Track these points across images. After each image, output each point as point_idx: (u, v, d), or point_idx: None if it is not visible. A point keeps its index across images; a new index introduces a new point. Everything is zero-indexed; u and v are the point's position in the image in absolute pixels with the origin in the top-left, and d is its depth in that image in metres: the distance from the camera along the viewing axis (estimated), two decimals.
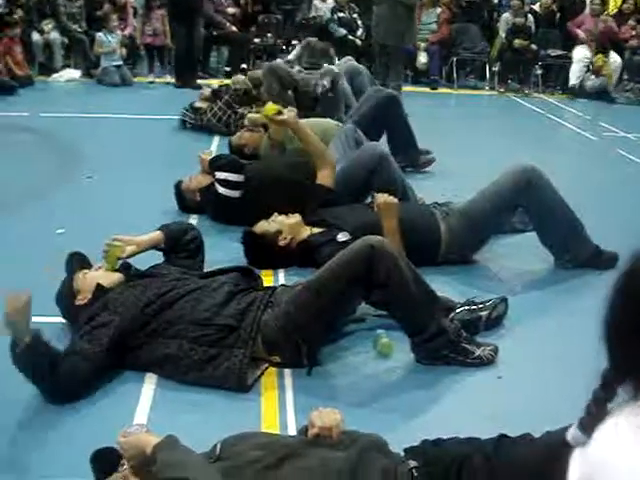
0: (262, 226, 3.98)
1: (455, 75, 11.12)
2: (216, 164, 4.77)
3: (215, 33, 10.68)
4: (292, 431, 2.66)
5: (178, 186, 4.88)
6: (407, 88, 9.91)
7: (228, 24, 10.75)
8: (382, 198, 3.75)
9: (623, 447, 1.16)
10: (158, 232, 3.64)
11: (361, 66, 7.48)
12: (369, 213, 3.98)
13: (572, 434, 1.31)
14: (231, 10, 11.05)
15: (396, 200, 3.76)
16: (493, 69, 11.11)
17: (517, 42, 10.69)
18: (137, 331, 3.03)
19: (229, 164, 4.77)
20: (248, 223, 4.10)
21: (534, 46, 10.87)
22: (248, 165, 4.87)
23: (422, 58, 11.02)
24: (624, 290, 1.23)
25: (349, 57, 8.05)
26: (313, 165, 4.53)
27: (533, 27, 11.12)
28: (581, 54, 10.85)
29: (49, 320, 3.37)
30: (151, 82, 10.00)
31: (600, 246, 4.24)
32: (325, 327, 3.13)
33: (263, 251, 3.95)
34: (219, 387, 2.94)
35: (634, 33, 11.09)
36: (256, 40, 11.33)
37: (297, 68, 7.12)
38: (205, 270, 3.65)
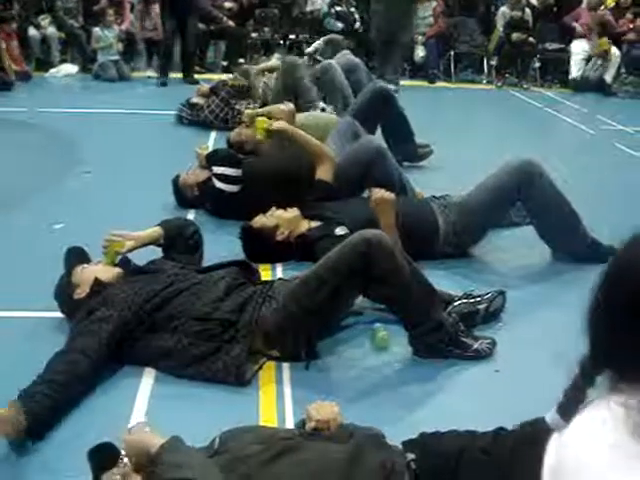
0: (260, 220, 3.98)
1: (453, 69, 11.12)
2: (214, 159, 4.77)
3: (212, 28, 10.66)
4: (290, 425, 2.66)
5: (176, 181, 4.88)
6: (405, 82, 9.93)
7: (225, 19, 10.73)
8: (378, 194, 3.73)
9: (596, 445, 1.14)
10: (157, 228, 3.65)
11: (358, 60, 7.45)
12: (367, 207, 3.97)
13: (551, 417, 1.31)
14: (228, 4, 11.04)
15: (392, 196, 3.74)
16: (491, 63, 11.11)
17: (515, 36, 10.69)
18: (136, 326, 3.04)
19: (227, 159, 4.78)
20: (246, 217, 4.10)
21: (532, 39, 10.87)
22: (246, 160, 4.87)
23: (420, 52, 11.03)
24: (608, 277, 1.22)
25: (346, 51, 8.03)
26: (312, 160, 4.54)
27: (531, 20, 11.11)
28: (579, 47, 10.85)
29: (48, 315, 3.39)
30: (149, 77, 9.99)
31: (597, 239, 4.24)
32: (323, 321, 3.13)
33: (261, 245, 3.95)
34: (218, 381, 2.94)
35: (632, 26, 11.08)
36: (253, 35, 11.33)
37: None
38: (204, 265, 3.66)
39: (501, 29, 10.96)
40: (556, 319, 3.58)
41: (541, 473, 1.22)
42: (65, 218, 4.59)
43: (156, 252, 3.66)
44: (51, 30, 10.30)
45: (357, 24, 10.92)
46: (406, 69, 11.16)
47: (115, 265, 3.40)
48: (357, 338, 3.37)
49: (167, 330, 3.05)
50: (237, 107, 6.85)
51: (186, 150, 5.45)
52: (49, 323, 3.34)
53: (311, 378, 3.02)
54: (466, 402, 2.92)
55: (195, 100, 7.33)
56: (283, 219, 3.96)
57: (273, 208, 4.01)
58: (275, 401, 2.89)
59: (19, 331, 3.33)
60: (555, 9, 11.68)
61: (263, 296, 3.16)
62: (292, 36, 11.47)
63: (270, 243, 3.93)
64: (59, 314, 3.33)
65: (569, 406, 1.25)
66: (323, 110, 6.17)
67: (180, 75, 9.75)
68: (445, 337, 3.15)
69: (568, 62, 10.97)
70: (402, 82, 9.83)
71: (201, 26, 10.41)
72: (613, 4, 11.47)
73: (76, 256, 3.42)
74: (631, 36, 11.03)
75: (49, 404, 2.65)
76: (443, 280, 3.68)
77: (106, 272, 3.29)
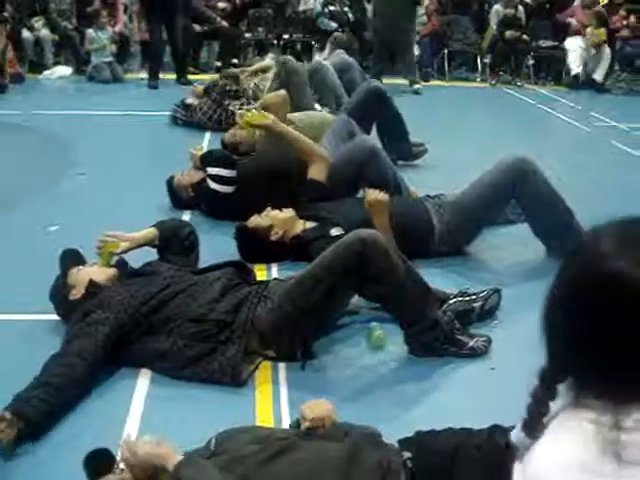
0: (255, 221, 3.98)
1: (447, 67, 11.12)
2: (208, 160, 4.77)
3: (206, 28, 10.66)
4: (286, 424, 2.66)
5: (170, 182, 4.88)
6: (399, 80, 9.93)
7: (218, 19, 10.72)
8: (372, 195, 3.73)
9: (567, 467, 1.08)
10: (152, 229, 3.64)
11: (352, 60, 7.46)
12: (362, 208, 3.97)
13: (516, 435, 1.25)
14: (221, 5, 11.02)
15: (386, 197, 3.75)
16: (484, 61, 11.10)
17: (508, 33, 10.69)
18: (133, 329, 3.03)
19: (221, 159, 4.77)
20: (241, 218, 4.10)
21: (525, 37, 10.88)
22: (240, 160, 4.87)
23: (414, 50, 11.01)
24: (562, 278, 1.17)
25: (340, 50, 8.04)
26: (301, 157, 4.54)
27: (524, 18, 11.12)
28: (574, 44, 10.84)
29: (44, 317, 3.39)
30: (142, 79, 9.97)
31: None
32: (318, 320, 3.14)
33: (256, 246, 3.95)
34: (214, 382, 2.95)
35: (625, 23, 11.10)
36: (247, 35, 11.32)
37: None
38: (199, 266, 3.66)
39: (494, 27, 10.96)
40: None
41: None
42: (60, 220, 4.58)
43: (151, 253, 3.66)
44: (44, 32, 10.27)
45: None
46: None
47: (111, 266, 3.40)
48: (353, 337, 3.37)
49: (163, 332, 3.05)
50: (230, 108, 6.84)
51: (180, 151, 5.45)
52: (45, 325, 3.34)
53: (307, 378, 3.03)
54: (462, 400, 2.93)
55: (189, 101, 7.32)
56: (278, 219, 3.96)
57: (268, 208, 4.02)
58: (271, 401, 2.89)
59: (15, 334, 3.33)
60: (548, 6, 11.68)
61: (258, 296, 3.16)
62: (286, 36, 11.46)
63: (265, 243, 3.93)
64: (55, 316, 3.34)
65: (533, 422, 1.19)
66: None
67: (174, 76, 9.73)
68: (440, 335, 3.16)
69: (562, 60, 10.97)
70: (396, 80, 9.86)
71: (196, 27, 10.41)
72: (606, 1, 11.49)
73: (71, 258, 3.42)
74: (625, 33, 11.05)
75: (45, 408, 2.65)
76: (438, 278, 3.68)
77: (101, 273, 3.29)
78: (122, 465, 2.06)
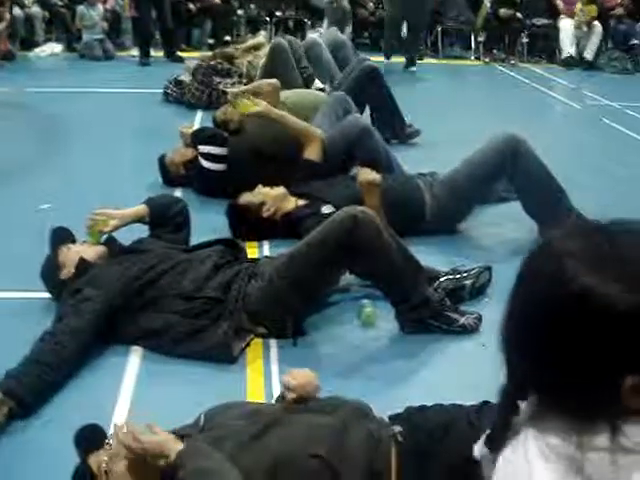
0: (246, 197, 3.98)
1: (440, 45, 11.07)
2: (199, 137, 4.75)
3: (198, 5, 10.58)
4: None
5: (162, 160, 4.86)
6: (393, 58, 9.89)
7: None
8: (364, 175, 3.73)
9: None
10: (143, 205, 3.61)
11: (344, 37, 7.42)
12: (354, 186, 3.97)
13: (479, 450, 1.21)
14: None
15: (379, 177, 3.74)
16: (478, 39, 11.06)
17: (502, 11, 10.65)
18: (123, 306, 3.03)
19: (212, 137, 4.76)
20: (233, 196, 4.09)
21: (519, 15, 10.83)
22: (231, 138, 4.85)
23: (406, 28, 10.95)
24: (520, 285, 1.08)
25: (333, 28, 7.99)
26: (296, 139, 4.53)
27: None
28: (568, 23, 10.79)
29: (34, 295, 3.38)
30: (134, 56, 9.91)
31: (583, 214, 4.26)
32: (309, 297, 3.14)
33: (247, 223, 3.95)
34: (205, 359, 2.95)
35: (619, 1, 11.05)
36: (239, 12, 11.25)
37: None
38: (191, 243, 3.65)
39: (488, 5, 10.91)
40: None
41: None
42: (51, 198, 4.56)
43: (143, 230, 3.64)
44: (35, 9, 10.19)
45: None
46: (394, 45, 11.10)
47: (100, 244, 3.39)
48: (344, 314, 3.38)
49: (154, 309, 3.05)
50: (221, 87, 6.80)
51: (172, 129, 5.42)
52: (35, 303, 3.34)
53: (298, 354, 3.03)
54: (452, 376, 2.95)
55: (182, 77, 7.28)
56: (269, 196, 3.95)
57: (259, 186, 4.01)
58: (262, 378, 2.90)
59: (5, 311, 3.33)
60: None
61: (249, 273, 3.16)
62: (278, 13, 11.39)
63: (256, 220, 3.93)
64: (45, 294, 3.33)
65: (496, 437, 1.15)
66: (322, 90, 6.13)
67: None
68: (432, 312, 3.17)
69: (556, 38, 10.92)
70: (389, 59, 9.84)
71: (189, 4, 10.34)
72: None
73: (61, 236, 3.40)
74: (619, 11, 11.00)
75: (36, 387, 2.65)
76: (429, 256, 3.67)
77: (91, 251, 3.28)
78: (112, 441, 2.04)
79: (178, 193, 4.65)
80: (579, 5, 10.59)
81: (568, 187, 4.21)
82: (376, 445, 2.05)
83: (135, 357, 3.00)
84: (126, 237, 3.52)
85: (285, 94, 5.48)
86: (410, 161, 5.06)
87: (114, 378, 2.85)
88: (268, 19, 11.28)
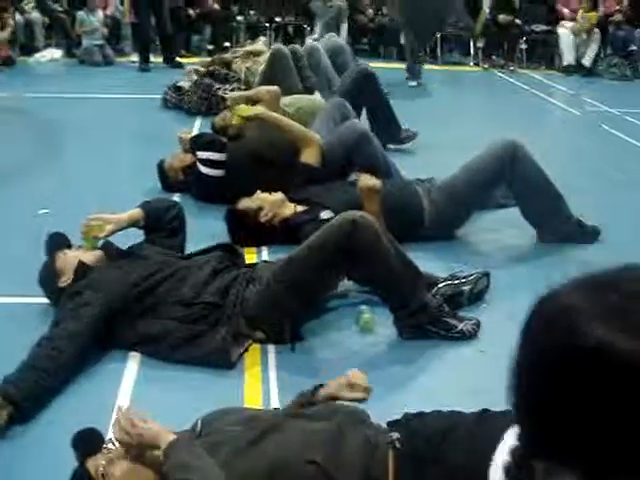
0: (244, 203, 3.98)
1: (439, 51, 11.09)
2: (197, 143, 4.75)
3: (197, 11, 10.60)
4: (275, 407, 2.68)
5: (161, 165, 4.86)
6: (392, 65, 9.90)
7: (210, 1, 10.67)
8: (364, 181, 3.73)
9: None
10: (138, 210, 3.56)
11: (344, 43, 7.43)
12: (352, 191, 3.97)
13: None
14: None
15: (379, 183, 3.75)
16: (477, 45, 11.08)
17: (501, 17, 10.67)
18: (122, 312, 3.02)
19: (211, 143, 4.75)
20: (232, 202, 4.09)
21: (518, 21, 10.85)
22: (230, 144, 4.85)
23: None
24: (528, 349, 1.00)
25: (332, 33, 8.01)
26: (294, 143, 4.54)
27: (517, 2, 11.08)
28: (567, 30, 10.79)
29: (32, 301, 3.38)
30: (134, 61, 9.93)
31: (582, 220, 4.26)
32: (306, 301, 3.14)
33: (246, 228, 3.95)
34: (203, 364, 2.95)
35: (618, 7, 11.07)
36: (239, 18, 11.27)
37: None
38: (188, 249, 3.64)
39: (487, 11, 10.93)
40: None
41: None
42: (49, 203, 4.56)
43: (138, 235, 3.62)
44: (35, 14, 10.21)
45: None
46: (393, 51, 11.14)
47: (96, 249, 3.36)
48: (342, 320, 3.37)
49: (153, 315, 3.05)
50: (220, 93, 6.80)
51: (171, 134, 5.42)
52: (33, 309, 3.33)
53: (296, 360, 3.03)
54: (451, 382, 2.94)
55: (181, 84, 7.29)
56: (267, 201, 3.95)
57: (258, 192, 4.01)
58: (260, 384, 2.90)
59: (2, 317, 3.33)
60: None
61: (247, 278, 3.16)
62: (278, 19, 11.41)
63: (255, 226, 3.92)
64: (42, 299, 3.32)
65: None
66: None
67: None
68: (430, 318, 3.16)
69: (555, 44, 10.94)
70: (390, 65, 9.84)
71: (192, 12, 10.36)
72: None
73: (57, 242, 3.38)
74: (618, 17, 11.01)
75: (34, 392, 2.65)
76: (428, 262, 3.67)
77: (88, 256, 3.26)
78: (110, 445, 2.05)
79: (176, 198, 4.64)
80: (580, 12, 10.60)
81: (567, 193, 4.21)
82: (373, 451, 2.04)
83: (133, 363, 3.00)
84: (122, 241, 3.51)
85: (283, 100, 5.49)
86: (408, 166, 5.07)
87: (112, 384, 2.85)
88: (268, 25, 11.31)
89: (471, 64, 11.03)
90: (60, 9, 10.36)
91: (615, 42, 11.03)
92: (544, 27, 11.19)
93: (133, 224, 3.53)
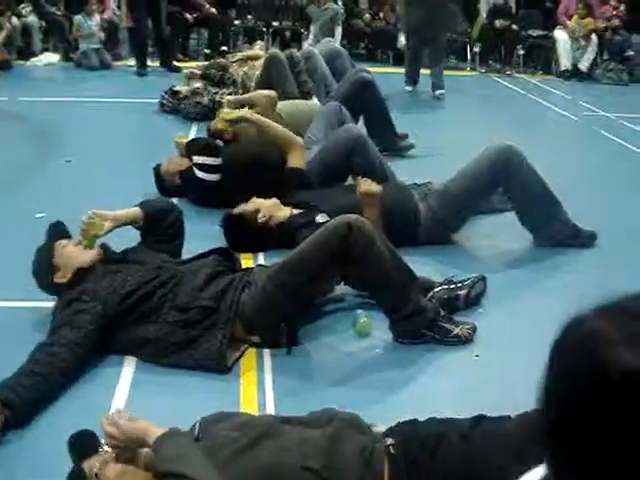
0: (241, 207, 3.98)
1: None
2: (193, 148, 4.75)
3: (195, 15, 10.61)
4: (271, 411, 2.68)
5: (157, 169, 4.86)
6: (388, 69, 9.92)
7: (207, 6, 10.67)
8: (364, 186, 3.74)
9: None
10: (137, 208, 3.50)
11: (341, 48, 7.44)
12: (349, 195, 3.98)
13: None
14: None
15: (379, 188, 3.75)
16: (474, 50, 11.10)
17: (498, 22, 10.69)
18: (119, 318, 3.02)
19: (206, 148, 4.75)
20: (228, 206, 4.09)
21: (515, 26, 10.88)
22: (225, 148, 4.86)
23: (402, 39, 10.98)
24: (555, 375, 0.97)
25: (329, 38, 8.02)
26: (279, 146, 4.56)
27: (514, 7, 11.11)
28: (564, 35, 10.81)
29: (31, 305, 3.38)
30: (130, 65, 9.93)
31: (578, 225, 4.27)
32: (303, 306, 3.14)
33: (242, 233, 3.95)
34: (199, 369, 2.95)
35: (615, 13, 11.10)
36: (236, 22, 11.28)
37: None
38: (185, 254, 3.63)
39: (484, 15, 10.96)
40: (537, 304, 3.61)
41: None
42: (46, 207, 4.55)
43: (134, 237, 3.60)
44: (32, 18, 10.21)
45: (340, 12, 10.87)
46: (389, 56, 11.15)
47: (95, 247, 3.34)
48: (338, 324, 3.38)
49: (149, 321, 3.04)
50: (217, 98, 6.79)
51: (168, 139, 5.43)
52: (30, 313, 3.33)
53: (292, 364, 3.03)
54: (446, 387, 2.95)
55: (177, 88, 7.29)
56: (263, 205, 3.95)
57: (254, 197, 4.01)
58: (256, 388, 2.90)
59: (0, 320, 3.32)
60: None
61: (243, 282, 3.15)
62: (275, 23, 11.43)
63: (251, 230, 3.91)
64: (39, 303, 3.31)
65: None
66: None
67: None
68: (426, 322, 3.16)
69: (552, 49, 10.96)
70: (386, 69, 9.84)
71: (190, 17, 10.37)
72: None
73: (57, 231, 3.37)
74: (615, 22, 11.04)
75: (31, 397, 2.65)
76: (424, 266, 3.68)
77: (86, 255, 3.23)
78: (105, 447, 2.06)
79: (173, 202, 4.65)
80: (575, 18, 10.62)
81: (563, 198, 4.22)
82: (369, 458, 2.05)
83: (129, 367, 3.00)
84: (116, 243, 3.49)
85: (279, 105, 5.50)
86: (405, 171, 5.06)
87: (108, 388, 2.85)
88: (265, 29, 11.32)
89: (468, 69, 11.05)
90: (57, 13, 10.35)
91: (612, 47, 11.06)
92: (541, 32, 11.22)
93: (131, 222, 3.49)
